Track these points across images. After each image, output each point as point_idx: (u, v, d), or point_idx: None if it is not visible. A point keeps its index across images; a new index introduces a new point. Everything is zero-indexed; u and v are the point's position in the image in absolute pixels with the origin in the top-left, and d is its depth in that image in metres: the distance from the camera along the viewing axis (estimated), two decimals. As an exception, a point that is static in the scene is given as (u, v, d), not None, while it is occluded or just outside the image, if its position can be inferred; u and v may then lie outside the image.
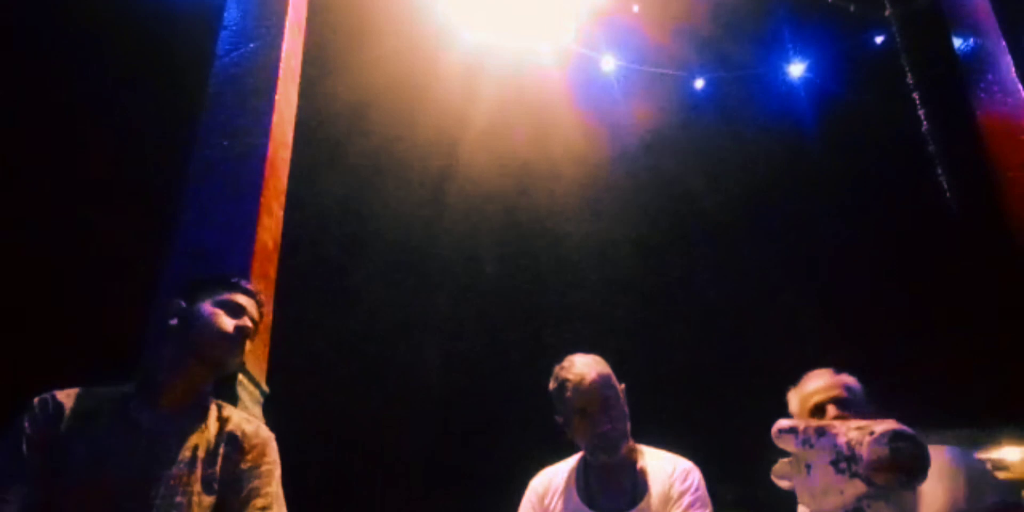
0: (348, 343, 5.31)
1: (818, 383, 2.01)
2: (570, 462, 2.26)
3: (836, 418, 1.92)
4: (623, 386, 2.17)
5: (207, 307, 1.69)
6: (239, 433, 1.67)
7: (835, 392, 1.97)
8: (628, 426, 2.13)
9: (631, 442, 2.18)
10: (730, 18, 5.29)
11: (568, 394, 2.09)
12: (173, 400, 1.64)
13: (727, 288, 6.07)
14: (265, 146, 2.64)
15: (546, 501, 2.19)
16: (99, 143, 4.22)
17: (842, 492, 1.60)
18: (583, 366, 2.12)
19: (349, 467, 4.96)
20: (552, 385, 2.16)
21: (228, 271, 2.17)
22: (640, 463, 2.15)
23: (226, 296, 1.72)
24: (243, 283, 1.79)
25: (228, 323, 1.68)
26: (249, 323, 1.72)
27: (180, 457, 1.56)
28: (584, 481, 2.17)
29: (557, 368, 2.16)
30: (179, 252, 2.42)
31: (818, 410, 1.97)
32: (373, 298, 5.63)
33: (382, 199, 5.86)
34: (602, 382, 2.09)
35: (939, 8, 3.60)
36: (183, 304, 1.71)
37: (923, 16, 3.68)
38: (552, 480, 2.23)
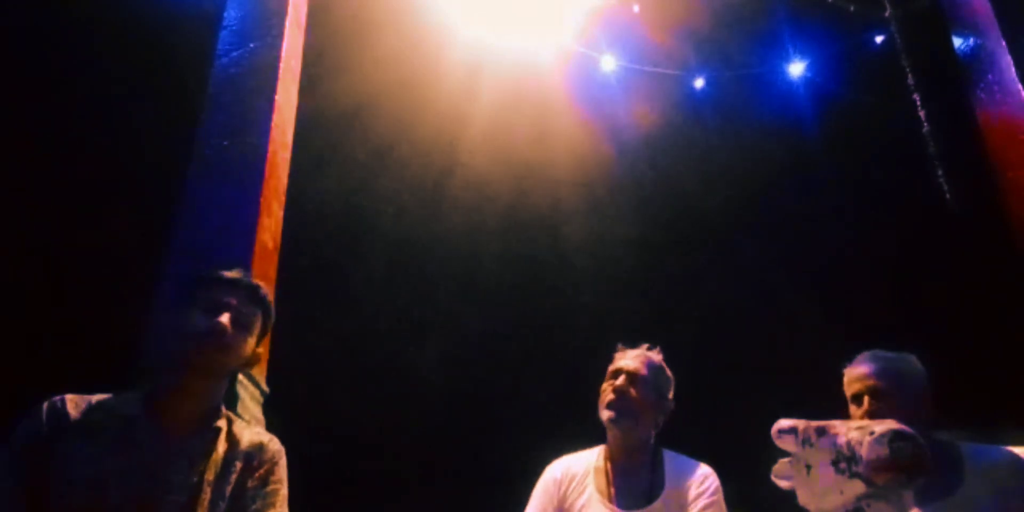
0: (348, 343, 5.30)
1: (859, 369, 1.92)
2: (592, 453, 2.30)
3: (869, 412, 1.83)
4: (671, 398, 2.33)
5: (182, 315, 1.61)
6: (251, 450, 1.63)
7: (871, 382, 1.87)
8: (649, 418, 2.25)
9: (651, 440, 2.26)
10: (730, 18, 5.29)
11: (617, 353, 2.34)
12: (180, 420, 1.58)
13: (727, 287, 6.07)
14: (265, 146, 2.64)
15: (562, 488, 2.22)
16: (98, 143, 4.22)
17: (842, 492, 1.60)
18: (646, 349, 2.34)
19: (349, 467, 4.96)
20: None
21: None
22: (660, 465, 2.21)
23: (202, 296, 1.62)
24: (221, 275, 1.66)
25: (197, 322, 1.58)
26: (224, 319, 1.59)
27: (188, 482, 1.51)
28: (603, 475, 2.21)
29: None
30: (179, 252, 2.42)
31: (856, 398, 1.89)
32: (373, 298, 5.63)
33: (382, 199, 5.86)
34: (649, 363, 2.28)
35: (939, 8, 3.60)
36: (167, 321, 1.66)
37: (923, 16, 3.68)
38: (570, 468, 2.27)
